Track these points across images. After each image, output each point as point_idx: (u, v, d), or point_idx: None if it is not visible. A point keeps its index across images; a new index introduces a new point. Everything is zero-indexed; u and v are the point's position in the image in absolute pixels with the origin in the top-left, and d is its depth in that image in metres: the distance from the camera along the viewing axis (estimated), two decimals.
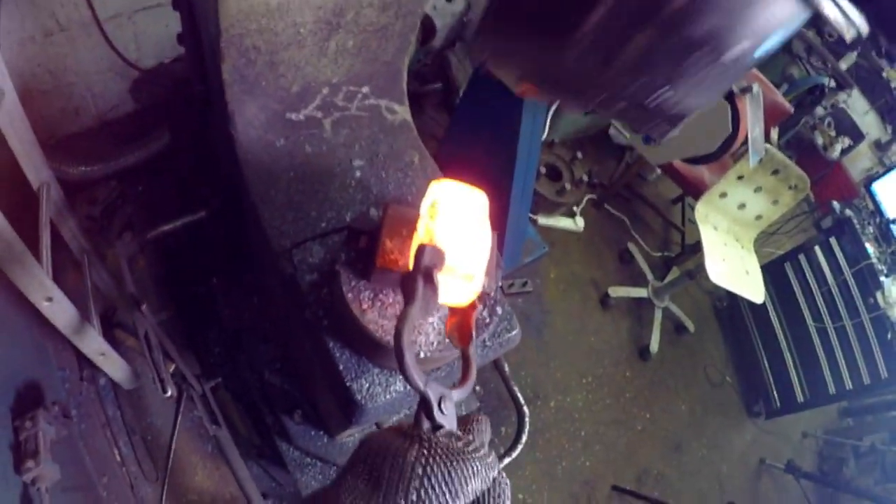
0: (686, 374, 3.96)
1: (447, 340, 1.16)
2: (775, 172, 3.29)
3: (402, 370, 0.74)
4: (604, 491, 3.21)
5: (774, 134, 4.06)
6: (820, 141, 4.73)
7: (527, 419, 1.84)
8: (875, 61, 4.65)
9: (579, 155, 3.46)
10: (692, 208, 3.53)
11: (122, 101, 2.40)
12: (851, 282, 3.59)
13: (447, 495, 0.61)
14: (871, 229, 3.73)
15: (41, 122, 2.03)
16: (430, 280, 0.88)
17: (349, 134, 1.50)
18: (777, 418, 4.03)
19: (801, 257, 3.90)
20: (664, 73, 0.71)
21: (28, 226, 1.46)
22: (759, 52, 0.72)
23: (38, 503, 1.37)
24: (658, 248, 4.31)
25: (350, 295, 1.12)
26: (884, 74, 4.69)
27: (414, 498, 0.60)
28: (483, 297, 1.15)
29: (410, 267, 0.91)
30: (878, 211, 3.84)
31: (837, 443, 4.29)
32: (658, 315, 3.84)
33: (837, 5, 0.65)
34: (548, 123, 2.15)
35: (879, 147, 4.93)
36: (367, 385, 1.19)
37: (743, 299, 3.39)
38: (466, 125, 2.21)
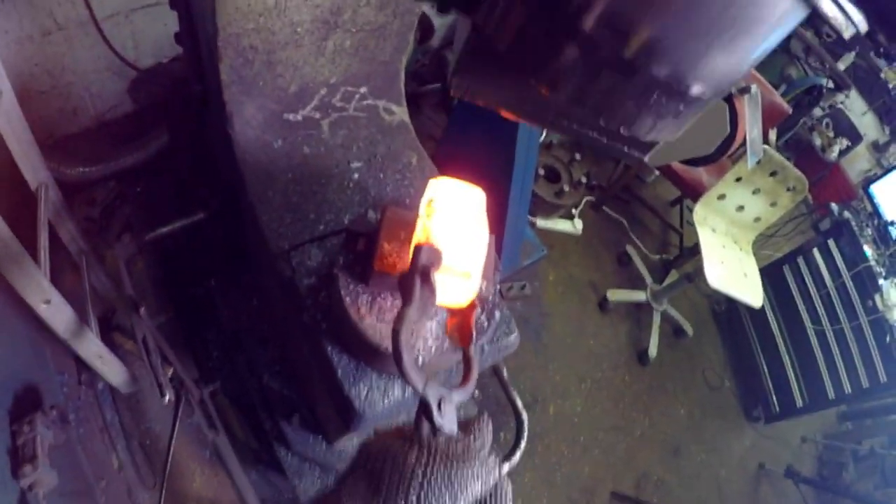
0: (685, 378, 3.95)
1: (445, 346, 1.15)
2: (774, 174, 3.29)
3: (401, 371, 0.74)
4: (603, 497, 3.20)
5: (773, 135, 4.06)
6: (818, 142, 4.72)
7: (526, 425, 1.82)
8: (873, 62, 4.65)
9: (577, 157, 3.46)
10: (690, 210, 3.53)
11: (121, 101, 2.39)
12: (850, 284, 3.58)
13: (447, 498, 0.61)
14: (869, 231, 3.72)
15: (39, 123, 2.02)
16: (427, 280, 0.88)
17: (347, 135, 1.50)
18: (776, 423, 4.02)
19: (800, 260, 3.90)
20: (629, 109, 0.75)
21: (26, 227, 1.45)
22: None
23: None
24: (656, 250, 4.30)
25: (348, 299, 1.11)
26: (882, 75, 4.68)
27: (414, 500, 0.60)
28: (481, 301, 1.14)
29: (408, 267, 0.90)
30: (876, 213, 3.84)
31: (837, 447, 4.27)
32: (656, 318, 3.83)
33: (836, 3, 0.65)
34: None
35: (877, 148, 4.93)
36: (366, 391, 1.18)
37: (741, 303, 3.38)
38: (464, 126, 2.21)
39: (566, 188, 3.34)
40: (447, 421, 0.69)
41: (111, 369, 1.88)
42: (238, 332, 1.92)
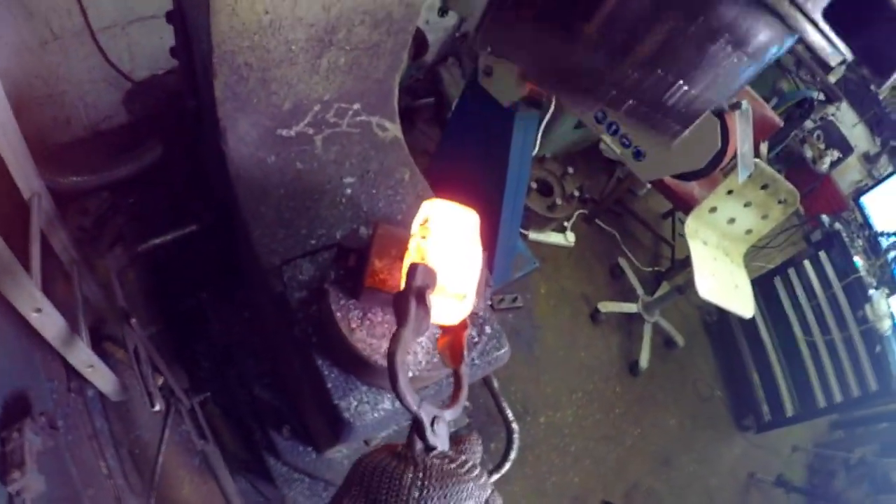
0: (676, 388, 3.96)
1: (435, 360, 1.16)
2: (765, 187, 3.31)
3: (396, 392, 0.75)
4: None
5: (764, 148, 4.09)
6: (809, 154, 4.76)
7: (516, 436, 1.84)
8: (863, 74, 4.69)
9: (570, 170, 3.48)
10: (682, 223, 3.55)
11: (115, 112, 2.39)
12: (841, 295, 3.60)
13: None
14: (860, 242, 3.75)
15: (33, 131, 2.01)
16: (422, 300, 0.89)
17: (340, 151, 1.51)
18: (767, 432, 4.03)
19: (791, 271, 3.92)
20: (683, 65, 0.69)
21: (18, 236, 1.45)
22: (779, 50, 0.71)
23: None
24: (648, 262, 4.32)
25: (339, 314, 1.13)
26: (872, 87, 4.73)
27: None
28: (472, 316, 1.15)
29: (402, 287, 0.91)
30: (866, 224, 3.86)
31: (827, 455, 4.29)
32: (648, 330, 3.84)
33: (822, 33, 0.66)
34: (539, 138, 2.16)
35: (868, 160, 4.97)
36: (356, 403, 1.19)
37: (732, 314, 3.40)
38: (457, 140, 2.22)
39: (559, 202, 3.36)
40: (440, 439, 0.70)
41: (101, 378, 1.88)
42: (229, 345, 1.92)
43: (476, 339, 1.24)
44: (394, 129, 1.61)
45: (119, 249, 2.13)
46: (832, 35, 0.67)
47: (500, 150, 2.00)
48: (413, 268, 0.89)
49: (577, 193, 3.43)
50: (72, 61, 2.11)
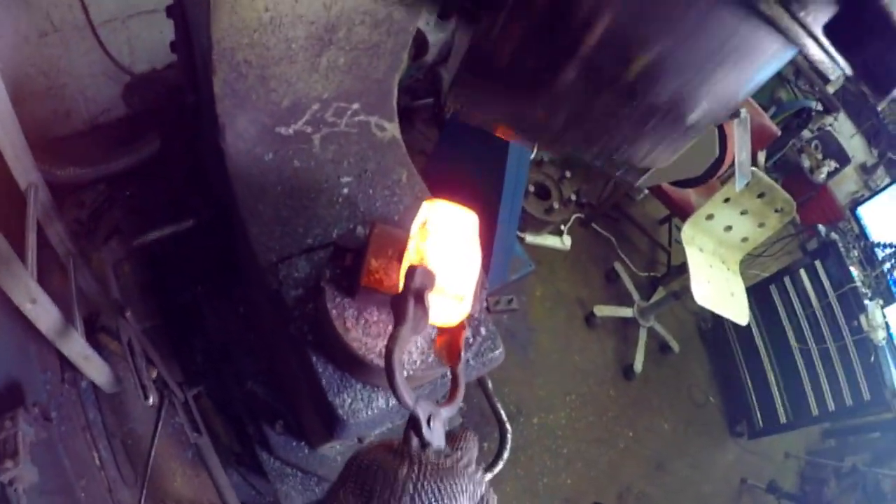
0: (670, 393, 3.97)
1: (431, 359, 1.16)
2: (762, 196, 3.33)
3: (393, 389, 0.75)
4: None
5: (761, 157, 4.11)
6: (806, 164, 4.77)
7: (509, 436, 1.84)
8: (862, 89, 4.71)
9: (568, 174, 3.49)
10: (679, 229, 3.56)
11: (114, 105, 2.39)
12: (835, 304, 3.62)
13: None
14: (855, 253, 3.77)
15: (32, 123, 2.01)
16: (420, 301, 0.89)
17: (338, 150, 1.51)
18: (760, 438, 4.05)
19: (787, 279, 3.94)
20: (626, 134, 0.74)
21: (14, 227, 1.45)
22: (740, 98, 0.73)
23: None
24: (644, 268, 4.33)
25: (334, 312, 1.13)
26: (870, 98, 4.75)
27: None
28: (468, 318, 1.16)
29: (401, 287, 0.92)
30: (862, 234, 3.89)
31: (819, 463, 4.31)
32: (643, 335, 3.85)
33: (822, 47, 0.66)
34: None
35: (865, 170, 4.99)
36: (350, 401, 1.20)
37: (728, 320, 3.41)
38: (456, 141, 2.22)
39: (556, 205, 3.36)
40: (436, 436, 0.71)
41: (95, 369, 1.88)
42: (224, 341, 1.92)
43: (471, 341, 1.24)
44: (392, 129, 1.61)
45: (115, 242, 2.13)
46: (832, 50, 0.67)
47: (499, 152, 2.00)
48: (412, 270, 0.90)
49: (574, 197, 3.44)
50: (72, 54, 2.11)
